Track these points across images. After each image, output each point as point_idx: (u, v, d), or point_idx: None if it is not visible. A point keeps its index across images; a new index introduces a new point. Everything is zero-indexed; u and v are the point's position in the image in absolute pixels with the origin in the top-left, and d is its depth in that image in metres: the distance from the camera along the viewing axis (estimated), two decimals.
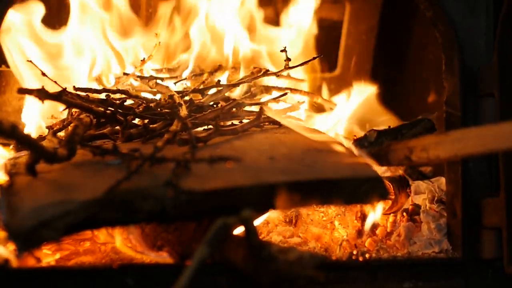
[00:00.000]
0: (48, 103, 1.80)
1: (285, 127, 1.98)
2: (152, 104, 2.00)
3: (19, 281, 1.66)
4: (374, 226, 1.97)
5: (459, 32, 1.94)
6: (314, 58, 2.23)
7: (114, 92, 2.05)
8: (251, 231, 1.43)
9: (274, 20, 2.48)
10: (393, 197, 2.03)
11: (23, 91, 1.71)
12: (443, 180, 2.04)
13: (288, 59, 2.17)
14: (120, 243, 1.79)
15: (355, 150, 1.80)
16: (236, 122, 2.00)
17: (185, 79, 2.29)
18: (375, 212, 1.94)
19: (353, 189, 1.60)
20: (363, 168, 1.67)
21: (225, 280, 1.70)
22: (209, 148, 1.73)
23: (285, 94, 2.19)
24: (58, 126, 2.04)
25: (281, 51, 2.17)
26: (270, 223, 2.01)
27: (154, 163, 1.55)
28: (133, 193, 1.48)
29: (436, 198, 2.02)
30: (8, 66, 2.34)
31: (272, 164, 1.65)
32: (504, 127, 1.57)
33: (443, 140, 1.69)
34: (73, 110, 2.04)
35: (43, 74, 2.03)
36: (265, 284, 1.44)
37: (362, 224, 1.98)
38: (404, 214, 2.03)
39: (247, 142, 1.83)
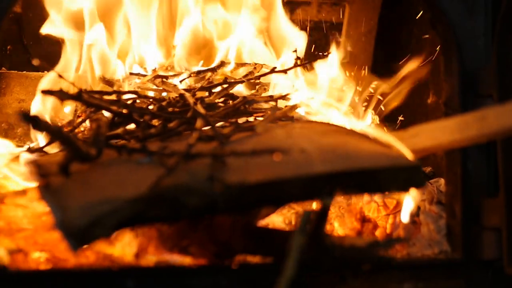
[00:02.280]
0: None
1: (299, 120, 1.99)
2: (163, 103, 2.01)
3: (18, 283, 1.67)
4: (413, 217, 1.98)
5: (458, 33, 1.93)
6: (324, 56, 2.25)
7: (124, 93, 2.06)
8: (324, 220, 1.49)
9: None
10: (397, 197, 2.04)
11: (46, 92, 1.76)
12: (442, 181, 2.04)
13: (298, 58, 2.20)
14: (119, 249, 1.79)
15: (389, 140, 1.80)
16: (249, 119, 2.01)
17: (190, 76, 2.29)
18: (412, 202, 1.95)
19: (392, 178, 1.60)
20: (399, 157, 1.67)
21: (225, 280, 1.71)
22: (234, 143, 1.74)
23: (296, 90, 2.21)
24: (67, 127, 2.06)
25: (293, 51, 2.21)
26: (270, 225, 2.01)
27: (189, 159, 1.56)
28: (177, 189, 1.50)
29: (435, 200, 2.02)
30: (8, 68, 2.35)
31: (305, 156, 1.65)
32: (450, 121, 1.68)
33: (403, 137, 1.74)
34: (79, 111, 2.06)
35: (60, 76, 2.05)
36: (325, 271, 1.53)
37: (362, 226, 1.98)
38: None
39: (270, 137, 1.84)
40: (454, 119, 1.71)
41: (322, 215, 1.51)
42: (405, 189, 1.68)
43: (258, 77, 2.21)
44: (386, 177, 1.60)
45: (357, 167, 1.60)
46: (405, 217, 1.98)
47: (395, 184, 1.62)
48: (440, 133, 1.68)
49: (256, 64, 2.32)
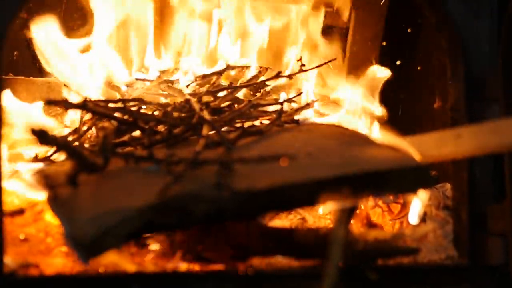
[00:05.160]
0: None
1: (304, 124, 2.00)
2: (168, 108, 2.01)
3: None
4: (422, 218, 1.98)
5: (464, 36, 1.93)
6: (329, 61, 2.26)
7: (129, 101, 2.06)
8: (351, 217, 1.56)
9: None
10: (401, 201, 2.04)
11: (50, 102, 1.79)
12: (448, 186, 2.04)
13: (303, 65, 2.21)
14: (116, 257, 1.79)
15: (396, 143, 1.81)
16: (255, 123, 2.03)
17: (195, 80, 2.29)
18: (420, 203, 1.95)
19: (400, 180, 1.61)
20: (406, 158, 1.68)
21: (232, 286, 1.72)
22: (240, 149, 1.75)
23: (300, 93, 2.23)
24: (72, 135, 2.06)
25: (298, 60, 2.22)
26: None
27: (196, 166, 1.57)
28: (185, 197, 1.50)
29: (441, 205, 2.02)
30: (15, 74, 2.36)
31: (313, 160, 1.67)
32: (428, 137, 1.75)
33: None
34: (85, 119, 2.07)
35: (65, 85, 2.07)
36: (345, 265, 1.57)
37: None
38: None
39: (276, 141, 1.85)
40: (432, 134, 1.74)
41: (350, 213, 1.56)
42: (414, 190, 1.69)
43: (263, 82, 2.21)
44: (394, 178, 1.60)
45: (364, 170, 1.60)
46: (413, 218, 1.98)
47: (403, 185, 1.62)
48: (417, 148, 1.70)
49: (261, 68, 2.32)
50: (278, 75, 2.23)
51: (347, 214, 1.56)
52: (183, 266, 1.75)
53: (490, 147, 1.71)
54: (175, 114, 1.97)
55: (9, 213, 1.85)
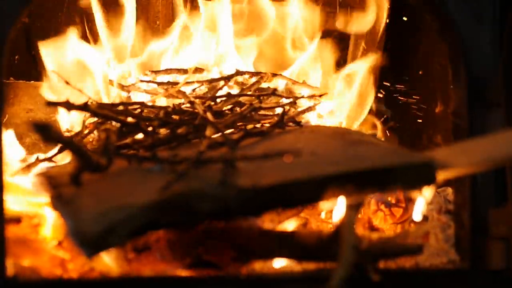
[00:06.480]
0: None
1: (306, 126, 2.01)
2: (169, 109, 2.01)
3: None
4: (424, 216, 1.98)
5: (466, 41, 1.93)
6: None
7: (131, 104, 2.07)
8: (355, 217, 1.58)
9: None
10: (403, 205, 2.04)
11: (52, 103, 1.79)
12: (449, 190, 2.04)
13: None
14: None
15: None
16: (257, 126, 2.04)
17: (202, 84, 2.29)
18: (424, 200, 1.95)
19: (404, 176, 1.61)
20: (409, 155, 1.69)
21: None
22: (243, 149, 1.75)
23: (302, 97, 2.24)
24: (75, 138, 2.06)
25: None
26: None
27: (200, 165, 1.58)
28: (189, 195, 1.51)
29: (443, 209, 2.02)
30: (16, 78, 2.36)
31: (317, 159, 1.67)
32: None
33: None
34: (88, 122, 2.07)
35: (67, 82, 2.08)
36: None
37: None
38: (412, 224, 2.03)
39: (279, 142, 1.86)
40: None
41: (356, 212, 1.59)
42: (417, 186, 1.67)
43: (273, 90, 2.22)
44: (398, 175, 1.60)
45: (368, 166, 1.61)
46: (417, 216, 1.98)
47: (407, 182, 1.62)
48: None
49: (262, 73, 2.32)
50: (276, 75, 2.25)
51: (354, 210, 1.56)
52: (183, 269, 1.75)
53: (461, 168, 1.71)
54: (176, 116, 1.97)
55: (8, 220, 1.84)
